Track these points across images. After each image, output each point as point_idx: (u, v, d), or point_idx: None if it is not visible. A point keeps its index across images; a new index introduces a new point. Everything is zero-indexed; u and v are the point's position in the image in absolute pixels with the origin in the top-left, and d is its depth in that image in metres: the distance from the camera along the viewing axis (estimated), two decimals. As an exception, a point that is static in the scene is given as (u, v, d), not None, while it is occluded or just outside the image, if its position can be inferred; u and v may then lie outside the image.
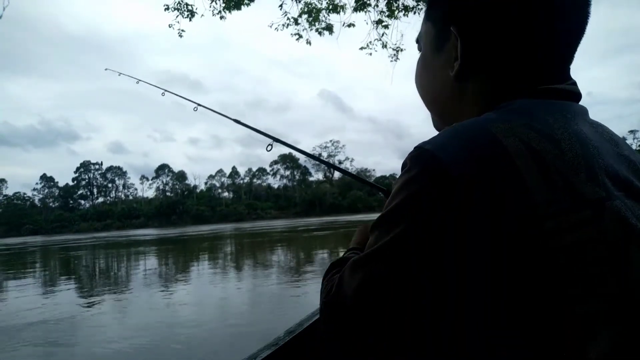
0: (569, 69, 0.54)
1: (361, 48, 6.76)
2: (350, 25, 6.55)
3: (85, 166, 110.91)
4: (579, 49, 0.53)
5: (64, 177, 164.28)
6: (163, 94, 2.01)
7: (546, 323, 0.39)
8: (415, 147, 0.47)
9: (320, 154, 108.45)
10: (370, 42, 6.74)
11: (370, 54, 6.83)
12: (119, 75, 2.36)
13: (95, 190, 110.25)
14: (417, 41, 0.64)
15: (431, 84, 0.61)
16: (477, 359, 0.41)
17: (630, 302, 0.39)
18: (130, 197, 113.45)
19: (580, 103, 0.53)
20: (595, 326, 0.38)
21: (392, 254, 0.45)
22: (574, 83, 0.53)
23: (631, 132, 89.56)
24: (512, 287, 0.39)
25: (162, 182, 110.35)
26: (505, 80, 0.52)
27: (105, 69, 2.61)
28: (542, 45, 0.50)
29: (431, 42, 0.59)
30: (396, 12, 6.41)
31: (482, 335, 0.40)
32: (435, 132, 0.53)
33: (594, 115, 0.53)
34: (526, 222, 0.39)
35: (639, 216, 0.42)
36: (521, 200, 0.40)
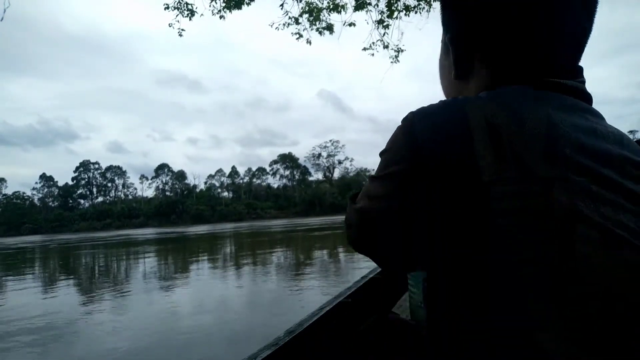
0: (580, 68, 0.55)
1: (364, 49, 6.74)
2: (351, 24, 6.52)
3: (84, 166, 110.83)
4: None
5: (64, 176, 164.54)
6: None
7: (473, 282, 0.44)
8: (409, 112, 0.53)
9: (320, 154, 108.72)
10: (373, 42, 6.72)
11: (373, 54, 6.81)
12: None
13: (94, 190, 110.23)
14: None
15: (443, 81, 0.68)
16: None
17: (566, 277, 0.41)
18: (130, 197, 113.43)
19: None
20: (524, 293, 0.41)
21: (381, 185, 0.53)
22: (583, 82, 0.55)
23: (631, 132, 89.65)
24: (451, 242, 0.45)
25: (162, 181, 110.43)
26: (505, 78, 0.54)
27: None
28: (542, 44, 0.52)
29: (441, 45, 0.65)
30: (396, 13, 6.38)
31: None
32: None
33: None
34: (471, 185, 0.44)
35: (597, 204, 0.43)
36: (468, 166, 0.45)
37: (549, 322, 0.40)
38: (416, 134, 0.49)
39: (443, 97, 0.67)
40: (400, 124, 0.53)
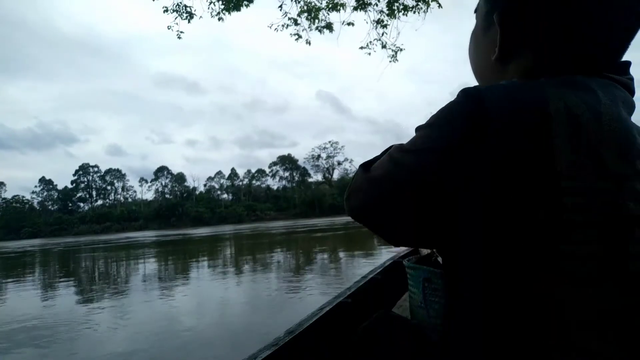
0: (627, 63, 0.54)
1: (361, 47, 6.74)
2: (350, 24, 6.53)
3: (84, 169, 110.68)
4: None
5: (63, 180, 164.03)
6: None
7: (532, 274, 0.42)
8: (464, 88, 0.49)
9: (319, 155, 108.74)
10: (370, 41, 6.73)
11: (370, 53, 6.81)
12: None
13: (94, 193, 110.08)
14: (475, 11, 0.63)
15: (477, 61, 0.63)
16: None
17: (626, 277, 0.41)
18: (129, 200, 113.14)
19: None
20: (580, 287, 0.41)
21: (418, 156, 0.49)
22: (631, 79, 0.53)
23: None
24: (499, 229, 0.43)
25: (161, 184, 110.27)
26: (551, 63, 0.52)
27: None
28: (601, 33, 0.50)
29: (482, 19, 0.60)
30: (396, 12, 6.39)
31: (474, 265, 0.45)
32: None
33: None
34: (542, 174, 0.41)
35: None
36: (542, 153, 0.42)
37: (602, 323, 0.40)
38: (487, 107, 0.45)
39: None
40: (456, 98, 0.49)
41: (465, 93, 0.48)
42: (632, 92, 0.52)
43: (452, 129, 0.47)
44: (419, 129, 0.52)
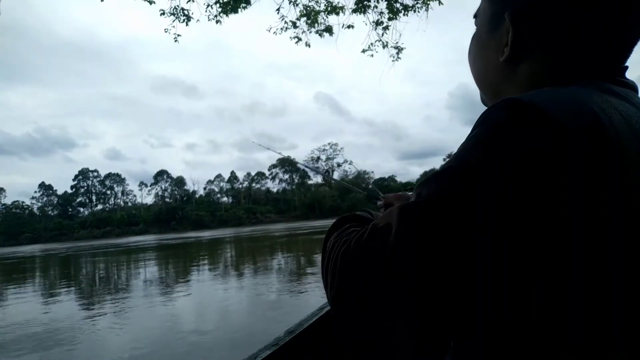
0: (626, 67, 0.52)
1: (363, 51, 6.69)
2: (349, 26, 6.48)
3: (83, 174, 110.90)
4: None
5: (63, 185, 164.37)
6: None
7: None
8: (505, 99, 0.42)
9: (318, 157, 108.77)
10: (371, 43, 6.67)
11: (372, 55, 6.75)
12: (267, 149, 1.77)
13: (94, 198, 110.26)
14: (475, 16, 0.62)
15: (481, 64, 0.60)
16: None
17: None
18: (129, 204, 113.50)
19: None
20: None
21: (460, 179, 0.40)
22: (634, 82, 0.52)
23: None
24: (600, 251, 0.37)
25: (161, 188, 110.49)
26: (567, 65, 0.50)
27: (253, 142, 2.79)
28: (606, 38, 0.48)
29: (486, 22, 0.57)
30: (397, 13, 6.34)
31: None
32: (482, 109, 0.47)
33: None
34: (623, 196, 0.37)
35: None
36: (620, 174, 0.38)
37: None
38: (553, 118, 0.38)
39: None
40: (496, 113, 0.42)
41: (508, 104, 0.41)
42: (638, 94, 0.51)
43: (500, 150, 0.39)
44: (450, 163, 0.42)
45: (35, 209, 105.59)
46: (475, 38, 0.61)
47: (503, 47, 0.53)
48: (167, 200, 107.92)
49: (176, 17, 6.29)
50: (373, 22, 6.55)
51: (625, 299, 0.37)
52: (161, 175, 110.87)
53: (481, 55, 0.60)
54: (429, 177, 0.43)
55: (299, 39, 6.66)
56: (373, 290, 0.42)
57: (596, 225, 0.36)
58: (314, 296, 7.95)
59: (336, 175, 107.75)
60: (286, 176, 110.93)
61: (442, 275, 0.38)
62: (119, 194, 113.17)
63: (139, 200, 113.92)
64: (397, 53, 6.78)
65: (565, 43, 0.49)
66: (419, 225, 0.39)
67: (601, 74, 0.49)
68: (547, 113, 0.38)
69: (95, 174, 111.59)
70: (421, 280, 0.38)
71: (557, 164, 0.37)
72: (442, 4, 6.14)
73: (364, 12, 6.43)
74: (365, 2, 6.34)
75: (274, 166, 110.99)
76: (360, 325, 0.45)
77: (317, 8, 6.47)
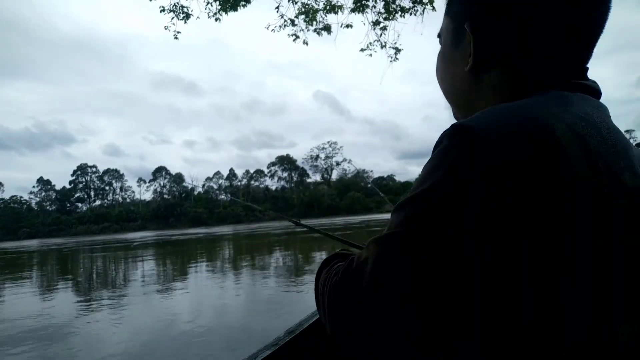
0: (587, 68, 0.53)
1: (362, 50, 6.73)
2: (347, 26, 6.52)
3: (82, 169, 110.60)
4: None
5: (61, 180, 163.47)
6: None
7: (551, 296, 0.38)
8: (452, 125, 0.45)
9: (318, 156, 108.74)
10: (370, 43, 6.72)
11: (371, 54, 6.80)
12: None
13: (92, 193, 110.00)
14: (439, 35, 0.63)
15: (449, 78, 0.61)
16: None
17: None
18: (128, 200, 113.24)
19: None
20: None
21: (426, 204, 0.42)
22: (595, 82, 0.53)
23: (627, 131, 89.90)
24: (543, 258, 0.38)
25: (160, 184, 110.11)
26: (528, 74, 0.51)
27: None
28: (564, 39, 0.49)
29: (450, 37, 0.59)
30: (393, 14, 6.38)
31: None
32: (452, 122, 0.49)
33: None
34: (571, 202, 0.39)
35: None
36: (566, 182, 0.39)
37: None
38: (487, 145, 0.40)
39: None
40: (445, 141, 0.44)
41: (453, 131, 0.44)
42: (599, 95, 0.52)
43: (452, 170, 0.41)
44: (418, 185, 0.45)
45: (33, 204, 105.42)
46: (441, 55, 0.63)
47: (467, 57, 0.55)
48: (165, 196, 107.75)
49: (175, 15, 6.32)
50: (371, 22, 6.60)
51: (626, 298, 0.40)
52: (160, 171, 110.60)
53: (448, 69, 0.61)
54: (397, 206, 0.45)
55: (297, 37, 6.71)
56: (364, 314, 0.44)
57: (549, 233, 0.38)
58: (313, 297, 7.99)
59: (335, 174, 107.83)
60: (285, 174, 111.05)
61: (414, 296, 0.41)
62: (118, 190, 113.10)
63: (137, 196, 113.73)
64: (395, 53, 6.83)
65: (522, 49, 0.50)
66: (391, 254, 0.42)
67: (558, 81, 0.50)
68: (483, 135, 0.41)
69: (94, 169, 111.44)
70: (399, 303, 0.41)
71: (497, 179, 0.39)
72: (436, 10, 6.18)
73: (363, 12, 6.47)
74: (364, 2, 6.38)
75: (273, 164, 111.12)
76: (361, 346, 0.47)
77: (316, 6, 6.51)
